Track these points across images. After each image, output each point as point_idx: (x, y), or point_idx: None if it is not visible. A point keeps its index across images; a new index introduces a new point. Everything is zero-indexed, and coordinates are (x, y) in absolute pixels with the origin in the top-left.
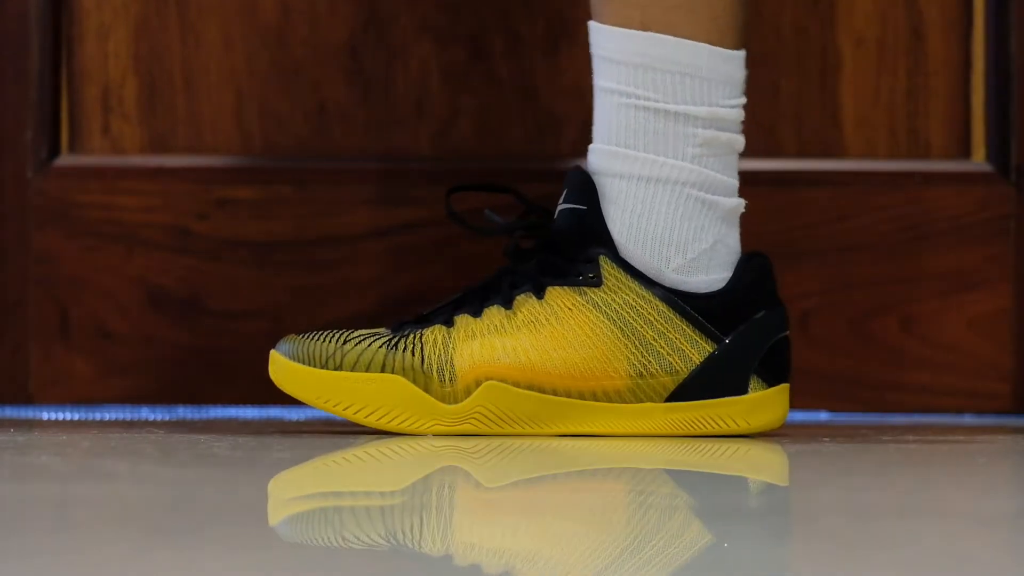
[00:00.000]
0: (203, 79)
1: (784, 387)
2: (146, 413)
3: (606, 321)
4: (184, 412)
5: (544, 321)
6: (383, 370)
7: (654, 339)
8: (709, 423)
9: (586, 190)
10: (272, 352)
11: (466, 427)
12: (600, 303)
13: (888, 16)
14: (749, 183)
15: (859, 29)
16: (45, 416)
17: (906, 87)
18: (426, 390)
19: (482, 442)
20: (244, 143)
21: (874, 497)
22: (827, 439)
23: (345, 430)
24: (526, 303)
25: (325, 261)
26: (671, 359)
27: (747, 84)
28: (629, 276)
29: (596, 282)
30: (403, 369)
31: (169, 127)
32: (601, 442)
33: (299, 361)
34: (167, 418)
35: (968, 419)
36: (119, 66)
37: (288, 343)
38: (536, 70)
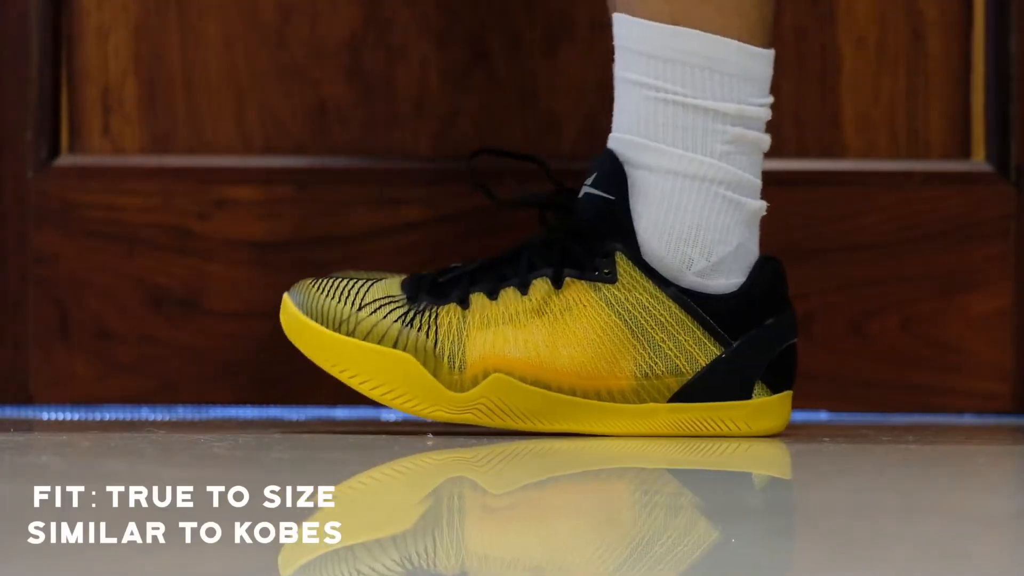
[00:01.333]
0: (203, 79)
1: (787, 394)
2: (146, 413)
3: (618, 321)
4: (184, 412)
5: (558, 314)
6: (395, 346)
7: (663, 341)
8: (711, 425)
9: (617, 179)
10: (285, 297)
11: (468, 417)
12: (613, 301)
13: (888, 16)
14: None
15: (859, 29)
16: (45, 416)
17: (906, 87)
18: (435, 374)
19: (482, 451)
20: (244, 143)
21: (874, 497)
22: (827, 439)
23: (346, 430)
24: (542, 290)
25: (325, 261)
26: (677, 361)
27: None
28: (643, 275)
29: (611, 278)
30: (415, 349)
31: (169, 127)
32: (604, 442)
33: (312, 318)
34: (167, 418)
35: (968, 419)
36: (119, 66)
37: (302, 294)
38: (536, 70)
